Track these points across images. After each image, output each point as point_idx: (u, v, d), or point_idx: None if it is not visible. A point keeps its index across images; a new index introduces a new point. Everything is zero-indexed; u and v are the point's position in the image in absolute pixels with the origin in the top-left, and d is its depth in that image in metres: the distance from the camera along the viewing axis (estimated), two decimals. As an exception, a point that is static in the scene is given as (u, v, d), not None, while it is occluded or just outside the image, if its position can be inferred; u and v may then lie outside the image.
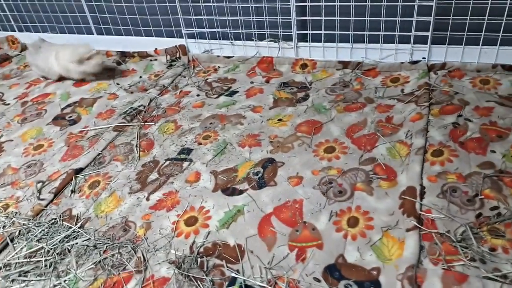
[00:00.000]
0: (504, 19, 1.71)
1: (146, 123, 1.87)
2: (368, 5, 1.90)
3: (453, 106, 1.64)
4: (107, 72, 2.39)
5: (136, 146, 1.73)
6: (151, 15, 2.43)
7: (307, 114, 1.75)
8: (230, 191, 1.43)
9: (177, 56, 2.43)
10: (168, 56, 2.44)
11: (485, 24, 1.75)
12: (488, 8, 1.71)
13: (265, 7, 2.10)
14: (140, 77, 2.30)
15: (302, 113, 1.76)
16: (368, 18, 1.94)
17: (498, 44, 1.78)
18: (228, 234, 1.28)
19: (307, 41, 2.12)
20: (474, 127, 1.52)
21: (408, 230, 1.19)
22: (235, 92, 2.01)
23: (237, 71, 2.21)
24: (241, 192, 1.42)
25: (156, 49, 2.48)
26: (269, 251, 1.21)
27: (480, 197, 1.25)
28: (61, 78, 2.35)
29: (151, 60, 2.47)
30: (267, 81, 2.05)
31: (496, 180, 1.30)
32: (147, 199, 1.46)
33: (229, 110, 1.88)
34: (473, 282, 1.03)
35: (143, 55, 2.52)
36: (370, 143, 1.54)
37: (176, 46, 2.42)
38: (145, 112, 1.96)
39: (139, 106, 2.00)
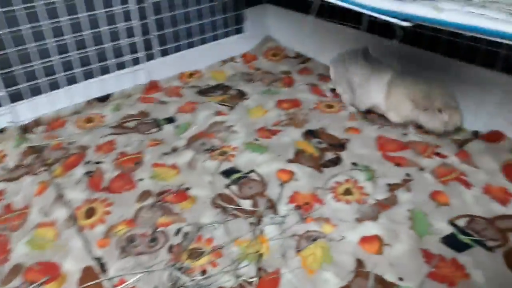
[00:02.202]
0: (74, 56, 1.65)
1: None
2: None
3: (75, 156, 1.44)
4: None
5: None
6: None
7: None
8: None
9: None
10: None
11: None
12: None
13: None
14: None
15: None
16: None
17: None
18: None
19: None
20: (109, 166, 1.38)
21: (115, 320, 0.91)
22: None
23: None
24: None
25: None
26: None
27: (158, 230, 1.13)
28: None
29: None
30: None
31: (162, 203, 1.22)
32: None
33: None
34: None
35: None
36: (2, 250, 1.10)
37: None
38: None
39: None
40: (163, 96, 1.81)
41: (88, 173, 1.36)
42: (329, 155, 1.41)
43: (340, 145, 1.45)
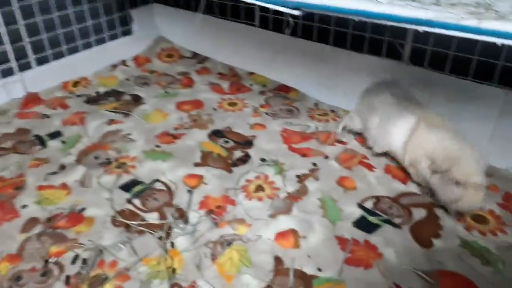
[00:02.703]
0: None
1: None
2: None
3: None
4: None
5: None
6: None
7: None
8: None
9: None
10: None
11: None
12: None
13: None
14: None
15: None
16: None
17: None
18: None
19: None
20: (-17, 196, 1.18)
21: None
22: None
23: None
24: None
25: None
26: None
27: (51, 260, 0.99)
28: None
29: None
30: None
31: (53, 230, 1.07)
32: None
33: None
34: None
35: None
36: None
37: None
38: None
39: None
40: (45, 109, 1.62)
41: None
42: (238, 154, 1.37)
43: (247, 142, 1.43)
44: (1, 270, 0.97)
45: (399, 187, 1.23)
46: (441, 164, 1.07)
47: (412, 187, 1.23)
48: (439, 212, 1.14)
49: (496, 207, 1.16)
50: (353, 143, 1.41)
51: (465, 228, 1.09)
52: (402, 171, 1.28)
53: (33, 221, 1.10)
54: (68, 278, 0.95)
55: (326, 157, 1.35)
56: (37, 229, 1.08)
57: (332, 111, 1.63)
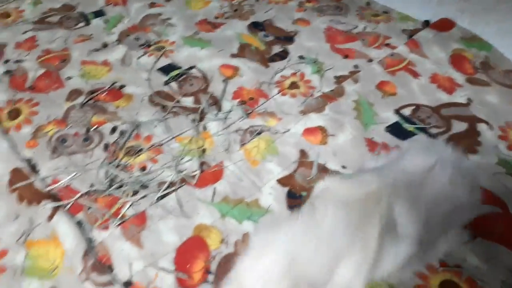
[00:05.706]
0: None
1: None
2: None
3: (-10, 55, 1.33)
4: None
5: None
6: None
7: None
8: None
9: None
10: None
11: None
12: None
13: None
14: None
15: None
16: None
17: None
18: None
19: None
20: (32, 65, 1.30)
21: (49, 217, 0.91)
22: None
23: None
24: None
25: None
26: None
27: (93, 128, 1.10)
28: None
29: None
30: None
31: (95, 102, 1.18)
32: None
33: None
34: (151, 211, 0.92)
35: None
36: None
37: None
38: None
39: None
40: (89, -13, 1.66)
41: (8, 72, 1.27)
42: (276, 49, 1.38)
43: (287, 38, 1.42)
44: (49, 131, 1.09)
45: (442, 97, 1.21)
46: None
47: (457, 98, 1.20)
48: (481, 127, 1.13)
49: (542, 128, 1.13)
50: (401, 48, 1.36)
51: (507, 147, 1.07)
52: (449, 81, 1.25)
53: (76, 92, 1.20)
54: (106, 145, 1.06)
55: (370, 60, 1.33)
56: (80, 99, 1.18)
57: (385, 12, 1.55)
